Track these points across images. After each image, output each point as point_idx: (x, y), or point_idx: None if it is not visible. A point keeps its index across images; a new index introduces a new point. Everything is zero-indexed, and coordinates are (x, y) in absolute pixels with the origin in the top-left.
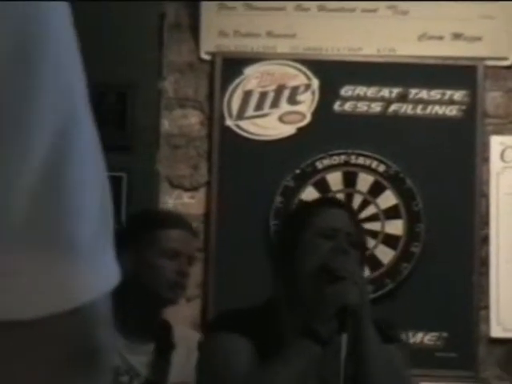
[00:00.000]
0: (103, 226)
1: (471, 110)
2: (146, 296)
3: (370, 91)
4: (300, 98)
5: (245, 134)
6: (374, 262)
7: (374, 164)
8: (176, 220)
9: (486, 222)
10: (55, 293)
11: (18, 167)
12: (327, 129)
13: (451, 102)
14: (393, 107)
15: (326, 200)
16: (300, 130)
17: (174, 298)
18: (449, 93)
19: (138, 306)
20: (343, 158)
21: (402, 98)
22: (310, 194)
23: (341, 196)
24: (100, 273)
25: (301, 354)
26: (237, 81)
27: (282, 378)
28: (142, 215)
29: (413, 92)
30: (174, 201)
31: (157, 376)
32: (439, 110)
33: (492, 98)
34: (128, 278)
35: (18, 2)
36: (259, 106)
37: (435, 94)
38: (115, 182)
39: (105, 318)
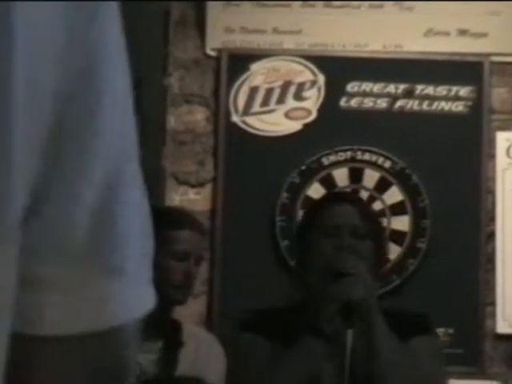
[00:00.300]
0: (144, 251)
1: (477, 105)
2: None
3: (376, 87)
4: (306, 94)
5: (251, 130)
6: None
7: (380, 160)
8: (185, 220)
9: (491, 218)
10: (99, 310)
11: (84, 187)
12: (333, 125)
13: (457, 97)
14: (399, 103)
15: (330, 196)
16: (306, 126)
17: (181, 299)
18: (455, 89)
19: None
20: (349, 154)
21: (408, 94)
22: (315, 190)
23: None
24: (140, 295)
25: (304, 352)
26: (243, 77)
27: (285, 376)
28: (151, 214)
29: (419, 88)
30: (179, 197)
31: (164, 372)
32: (445, 105)
33: (498, 94)
34: None
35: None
36: (265, 102)
37: (441, 89)
38: None
39: (134, 339)
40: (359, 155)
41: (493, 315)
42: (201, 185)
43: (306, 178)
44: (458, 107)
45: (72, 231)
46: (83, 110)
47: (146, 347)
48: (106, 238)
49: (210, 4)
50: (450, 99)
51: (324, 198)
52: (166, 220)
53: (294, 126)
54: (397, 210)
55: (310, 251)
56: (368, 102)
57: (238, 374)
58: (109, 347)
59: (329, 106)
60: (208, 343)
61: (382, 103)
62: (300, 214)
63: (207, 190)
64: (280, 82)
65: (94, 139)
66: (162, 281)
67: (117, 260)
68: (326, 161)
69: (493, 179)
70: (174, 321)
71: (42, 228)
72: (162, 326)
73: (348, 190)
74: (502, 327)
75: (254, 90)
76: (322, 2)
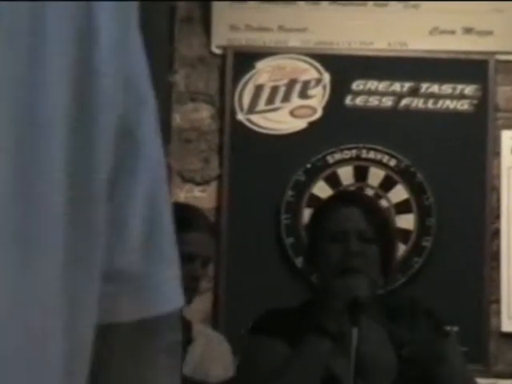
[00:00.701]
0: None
1: (482, 104)
2: None
3: (382, 85)
4: (311, 92)
5: (256, 128)
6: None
7: (385, 158)
8: (193, 221)
9: (497, 216)
10: (159, 297)
11: (137, 188)
12: (338, 123)
13: (462, 96)
14: (404, 101)
15: (338, 197)
16: (311, 124)
17: (187, 301)
18: (460, 87)
19: None
20: (354, 152)
21: (414, 93)
22: (320, 188)
23: None
24: (179, 285)
25: (310, 351)
26: (248, 75)
27: (292, 376)
28: None
29: (424, 86)
30: (184, 194)
31: None
32: (450, 104)
33: (503, 92)
34: None
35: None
36: (270, 100)
37: (446, 88)
38: None
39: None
40: (364, 153)
41: (498, 313)
42: (206, 182)
43: (311, 176)
44: (464, 105)
45: (134, 222)
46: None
47: None
48: (155, 237)
49: (215, 2)
50: (455, 97)
51: (331, 199)
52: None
53: (299, 124)
54: (402, 208)
55: (318, 253)
56: (373, 101)
57: (249, 374)
58: (166, 331)
59: (334, 104)
60: (216, 341)
61: (387, 101)
62: (305, 212)
63: (212, 187)
64: (285, 80)
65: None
66: None
67: (166, 252)
68: (331, 159)
69: (498, 177)
70: (183, 319)
71: (113, 214)
72: None
73: (355, 188)
74: (507, 325)
75: (259, 88)
76: (327, 1)
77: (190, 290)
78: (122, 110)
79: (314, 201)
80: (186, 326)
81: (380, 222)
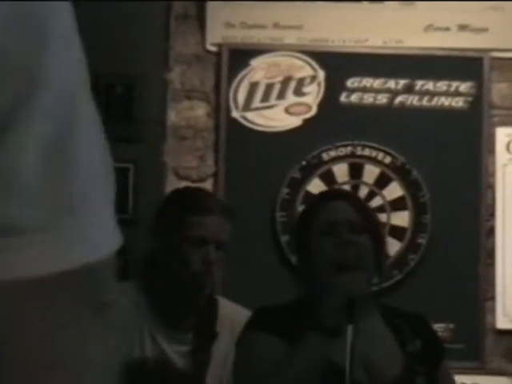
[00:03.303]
0: (107, 189)
1: (477, 101)
2: (174, 282)
3: (377, 83)
4: (306, 89)
5: (251, 126)
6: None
7: (380, 155)
8: (206, 205)
9: (492, 214)
10: (68, 249)
11: (31, 127)
12: (333, 120)
13: (457, 93)
14: (399, 99)
15: (324, 194)
16: (306, 121)
17: (202, 286)
18: (455, 84)
19: (170, 291)
20: (349, 149)
21: (408, 90)
22: (316, 185)
23: (347, 188)
24: (108, 233)
25: (307, 348)
26: (243, 72)
27: (290, 373)
28: (174, 196)
29: (419, 83)
30: None
31: (195, 370)
32: (445, 101)
33: (498, 90)
34: (159, 262)
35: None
36: (265, 98)
37: (441, 85)
38: (122, 173)
39: (108, 278)
40: (359, 150)
41: (493, 310)
42: (202, 180)
43: (307, 174)
44: (459, 103)
45: (26, 167)
46: (30, 44)
47: (175, 337)
48: (64, 177)
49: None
50: (451, 95)
51: (318, 198)
52: (185, 203)
53: (294, 122)
54: (397, 205)
55: (311, 251)
56: (368, 98)
57: (248, 373)
58: (82, 286)
59: (329, 101)
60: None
61: (383, 99)
62: (300, 209)
63: (208, 185)
64: (280, 78)
65: (44, 70)
66: (180, 267)
67: (79, 199)
68: (326, 156)
69: (493, 174)
70: (210, 301)
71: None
72: (190, 313)
73: (347, 187)
74: (503, 322)
75: (254, 86)
76: None
77: (204, 274)
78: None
79: (310, 198)
80: (210, 315)
81: (367, 213)
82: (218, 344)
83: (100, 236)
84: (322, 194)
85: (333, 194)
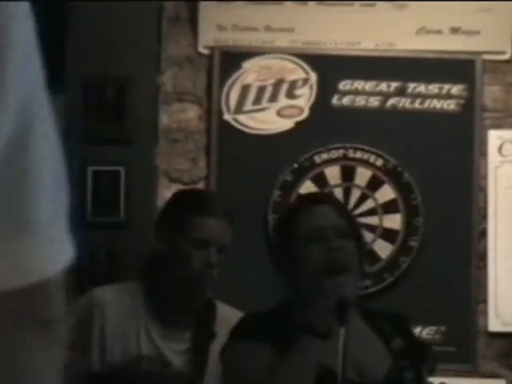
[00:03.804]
0: (59, 206)
1: (469, 104)
2: (173, 282)
3: (368, 85)
4: (298, 92)
5: (243, 128)
6: (373, 257)
7: (372, 158)
8: (211, 206)
9: (484, 216)
10: (17, 268)
11: None
12: (325, 123)
13: (449, 96)
14: (391, 101)
15: (307, 199)
16: (298, 124)
17: (200, 288)
18: (447, 87)
19: (169, 291)
20: (341, 152)
21: (400, 92)
22: (308, 188)
23: (339, 190)
24: (58, 250)
25: (299, 351)
26: (235, 75)
27: (284, 377)
28: (177, 197)
29: (411, 86)
30: None
31: (193, 370)
32: (437, 104)
33: (490, 92)
34: (159, 262)
35: None
36: (257, 100)
37: (433, 88)
38: (113, 176)
39: (59, 293)
40: (351, 153)
41: (485, 313)
42: (193, 182)
43: (299, 176)
44: (450, 105)
45: None
46: None
47: (172, 336)
48: (15, 192)
49: (202, 2)
50: (442, 97)
51: (300, 202)
52: (189, 204)
53: (286, 124)
54: (389, 208)
55: (298, 255)
56: (360, 100)
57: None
58: (31, 302)
59: (321, 104)
60: None
61: (374, 101)
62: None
63: (200, 187)
64: (272, 80)
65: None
66: (180, 268)
67: (29, 215)
68: (318, 159)
69: (485, 177)
70: (208, 304)
71: None
72: (189, 313)
73: (339, 189)
74: (495, 325)
75: (246, 88)
76: (314, 1)
77: (205, 276)
78: None
79: (290, 202)
80: (208, 317)
81: (350, 217)
82: (215, 345)
83: (48, 254)
84: (303, 198)
85: (315, 198)
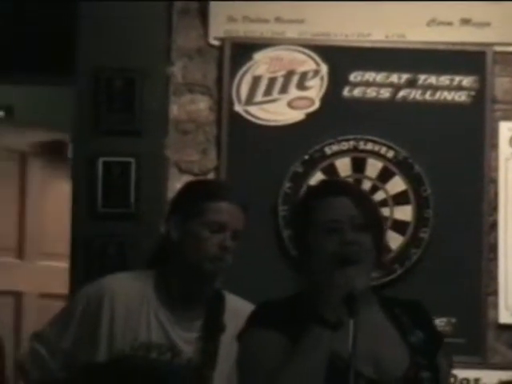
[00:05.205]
0: None
1: (480, 95)
2: (187, 267)
3: (379, 77)
4: (309, 83)
5: (253, 120)
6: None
7: (383, 150)
8: (224, 192)
9: (494, 208)
10: None
11: None
12: (336, 114)
13: (460, 87)
14: (402, 93)
15: (322, 188)
16: (309, 115)
17: (215, 271)
18: (458, 78)
19: (181, 277)
20: (352, 143)
21: (411, 84)
22: (318, 179)
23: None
24: None
25: (310, 342)
26: (246, 66)
27: (297, 370)
28: (191, 186)
29: (422, 78)
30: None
31: (204, 362)
32: (448, 95)
33: (501, 84)
34: (172, 249)
35: None
36: (268, 92)
37: (444, 79)
38: (124, 167)
39: None
40: (362, 145)
41: (495, 305)
42: (204, 174)
43: (309, 168)
44: (461, 97)
45: None
46: None
47: (183, 324)
48: None
49: None
50: (453, 89)
51: (316, 190)
52: (202, 191)
53: (297, 116)
54: (400, 199)
55: (313, 246)
56: (371, 92)
57: (254, 370)
58: None
59: (332, 95)
60: None
61: (385, 93)
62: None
63: (210, 178)
64: (283, 72)
65: None
66: (195, 252)
67: None
68: (328, 150)
69: (495, 169)
70: (217, 294)
71: None
72: (198, 301)
73: (350, 181)
74: (505, 317)
75: (256, 80)
76: None
77: (219, 260)
78: None
79: (308, 190)
80: (217, 308)
81: (369, 209)
82: (225, 337)
83: None
84: (322, 187)
85: (331, 189)
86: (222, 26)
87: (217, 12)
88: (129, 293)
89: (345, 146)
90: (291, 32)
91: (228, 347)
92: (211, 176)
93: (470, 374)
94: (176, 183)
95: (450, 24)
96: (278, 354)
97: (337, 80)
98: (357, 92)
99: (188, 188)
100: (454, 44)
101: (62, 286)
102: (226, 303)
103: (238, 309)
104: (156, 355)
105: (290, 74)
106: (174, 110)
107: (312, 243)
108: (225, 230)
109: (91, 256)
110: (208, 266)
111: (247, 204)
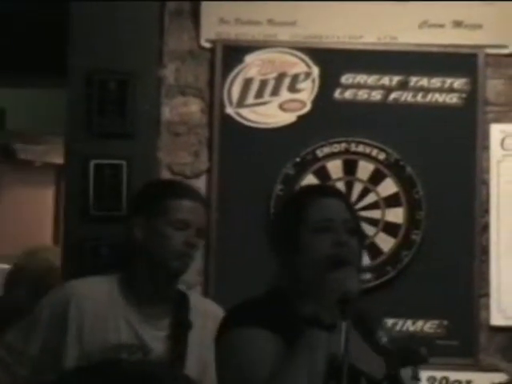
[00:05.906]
0: None
1: (472, 97)
2: (154, 266)
3: (371, 79)
4: (300, 85)
5: (245, 122)
6: (375, 250)
7: (375, 152)
8: (187, 191)
9: (486, 210)
10: None
11: None
12: (327, 117)
13: (452, 89)
14: (393, 95)
15: (317, 190)
16: (300, 117)
17: (181, 268)
18: (449, 81)
19: (148, 276)
20: (343, 145)
21: (403, 86)
22: (310, 181)
23: (341, 184)
24: None
25: (308, 344)
26: (237, 68)
27: (297, 371)
28: (154, 184)
29: (413, 80)
30: None
31: (173, 357)
32: (439, 97)
33: (492, 86)
34: (137, 248)
35: None
36: (259, 94)
37: (436, 81)
38: (116, 170)
39: None
40: (353, 147)
41: (487, 307)
42: (196, 176)
43: (301, 170)
44: (453, 99)
45: None
46: None
47: (151, 323)
48: None
49: None
50: (445, 91)
51: (309, 193)
52: (166, 190)
53: (289, 118)
54: (391, 201)
55: (303, 246)
56: (362, 94)
57: (247, 372)
58: None
59: (323, 97)
60: (213, 319)
61: (377, 95)
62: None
63: (202, 181)
64: (274, 74)
65: None
66: (161, 249)
67: None
68: (320, 153)
69: (487, 171)
70: (180, 294)
71: None
72: (166, 300)
73: (341, 183)
74: (497, 319)
75: (248, 82)
76: None
77: (184, 257)
78: None
79: (298, 192)
80: (183, 306)
81: (355, 212)
82: (193, 334)
83: None
84: (313, 189)
85: (326, 190)
86: (213, 28)
87: (209, 14)
88: (95, 296)
89: (336, 148)
90: (283, 34)
91: (196, 347)
92: (203, 178)
93: (462, 376)
94: None
95: (441, 26)
96: (271, 351)
97: (328, 82)
98: (348, 94)
99: (149, 187)
100: (445, 46)
101: None
102: (191, 301)
103: (206, 309)
104: (127, 355)
105: (281, 77)
106: (166, 113)
107: (304, 242)
108: (188, 227)
109: (83, 258)
110: (174, 263)
111: (208, 202)
